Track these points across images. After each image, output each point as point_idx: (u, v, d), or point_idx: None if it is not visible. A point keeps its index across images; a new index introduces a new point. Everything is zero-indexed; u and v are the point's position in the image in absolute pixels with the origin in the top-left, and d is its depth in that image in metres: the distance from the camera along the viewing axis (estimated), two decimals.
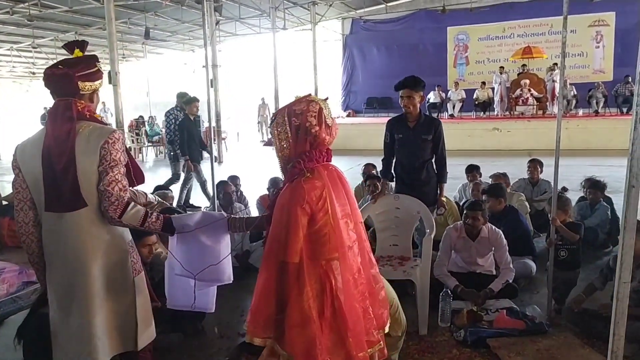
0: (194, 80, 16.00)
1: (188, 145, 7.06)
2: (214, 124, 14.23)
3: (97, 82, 2.18)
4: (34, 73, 23.31)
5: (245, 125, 21.45)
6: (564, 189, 5.70)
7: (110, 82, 8.68)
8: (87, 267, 2.06)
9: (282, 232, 1.91)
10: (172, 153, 7.39)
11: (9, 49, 18.72)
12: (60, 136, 2.03)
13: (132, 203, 2.09)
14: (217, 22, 14.57)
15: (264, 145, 17.14)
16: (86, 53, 2.16)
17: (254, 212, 5.75)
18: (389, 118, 4.45)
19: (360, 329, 1.97)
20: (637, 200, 1.30)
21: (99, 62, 2.21)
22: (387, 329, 2.12)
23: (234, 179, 5.74)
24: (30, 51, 19.10)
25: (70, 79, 2.07)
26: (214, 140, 14.38)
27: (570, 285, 3.86)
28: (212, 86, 13.07)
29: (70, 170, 2.00)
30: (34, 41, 17.30)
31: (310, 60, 17.93)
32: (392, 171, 4.33)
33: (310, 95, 2.05)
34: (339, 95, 20.24)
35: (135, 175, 2.20)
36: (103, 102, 18.26)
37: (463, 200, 5.63)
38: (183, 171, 7.22)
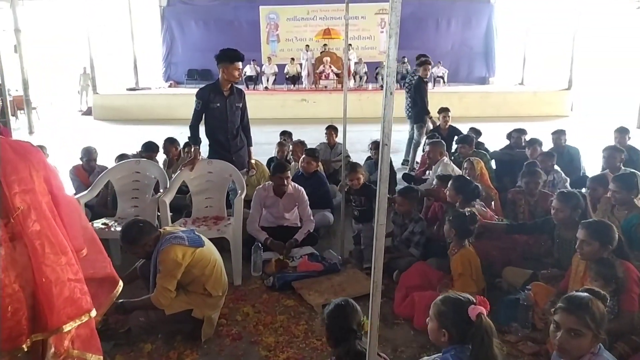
0: None
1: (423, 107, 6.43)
2: (19, 92, 12.20)
3: None
4: None
5: (61, 94, 18.91)
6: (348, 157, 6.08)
7: None
8: None
9: None
10: (409, 113, 6.80)
11: None
12: None
13: None
14: None
15: (82, 114, 15.37)
16: None
17: (67, 182, 5.12)
18: (200, 88, 4.27)
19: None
20: (389, 156, 1.42)
21: None
22: (66, 327, 1.75)
23: (40, 149, 5.00)
24: None
25: None
26: (23, 110, 12.45)
27: (367, 235, 4.01)
28: (16, 52, 11.21)
29: None
30: None
31: (127, 29, 16.41)
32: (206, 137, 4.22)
33: None
34: (160, 65, 18.99)
35: None
36: None
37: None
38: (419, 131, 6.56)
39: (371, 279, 1.49)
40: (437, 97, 13.37)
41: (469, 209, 3.34)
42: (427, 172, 5.55)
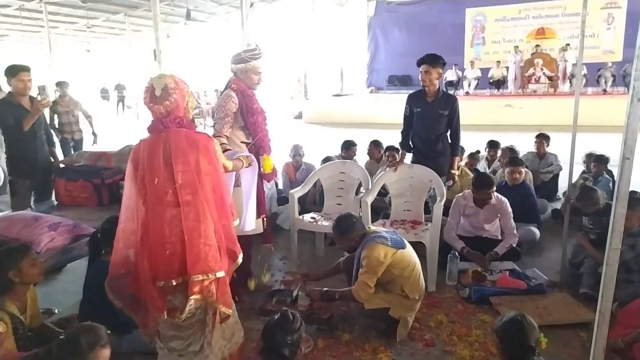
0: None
1: None
2: None
3: None
4: (88, 51, 23.56)
5: (275, 99, 21.36)
6: (585, 179, 5.11)
7: (155, 59, 8.73)
8: None
9: None
10: None
11: (66, 29, 18.90)
12: None
13: None
14: (252, 5, 14.37)
15: (294, 118, 17.07)
16: None
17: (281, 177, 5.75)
18: (409, 93, 4.37)
19: (158, 260, 2.15)
20: (630, 172, 1.25)
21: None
22: (194, 278, 2.14)
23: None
24: (85, 31, 19.25)
25: None
26: None
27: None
28: None
29: None
30: (88, 22, 17.42)
31: (337, 40, 17.64)
32: (410, 143, 4.28)
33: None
34: (362, 71, 19.92)
35: None
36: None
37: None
38: None
39: (597, 309, 1.34)
40: None
41: None
42: None
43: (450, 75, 15.50)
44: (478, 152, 6.02)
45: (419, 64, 3.98)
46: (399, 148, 4.43)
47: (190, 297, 2.14)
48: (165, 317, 2.19)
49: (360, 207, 3.91)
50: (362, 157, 5.96)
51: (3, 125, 4.05)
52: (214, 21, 20.09)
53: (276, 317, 2.08)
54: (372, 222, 3.93)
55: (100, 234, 2.79)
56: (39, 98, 3.98)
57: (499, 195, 4.07)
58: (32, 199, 4.22)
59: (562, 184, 5.51)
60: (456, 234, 4.05)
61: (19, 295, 2.44)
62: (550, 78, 14.20)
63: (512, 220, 3.98)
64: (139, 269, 2.17)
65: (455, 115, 4.07)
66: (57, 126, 6.76)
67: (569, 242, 3.83)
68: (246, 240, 3.11)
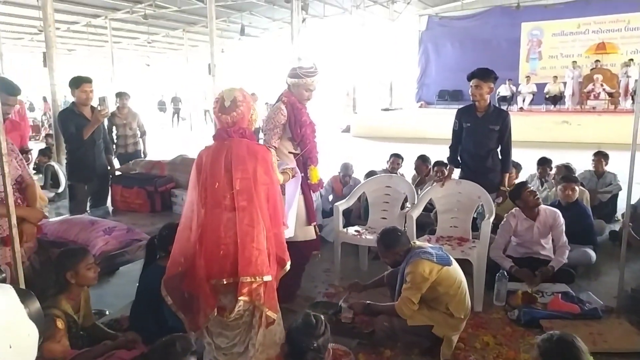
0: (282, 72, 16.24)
1: None
2: None
3: None
4: (148, 65, 24.72)
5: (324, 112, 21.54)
6: None
7: (209, 73, 9.10)
8: None
9: None
10: None
11: (128, 44, 19.96)
12: None
13: None
14: (304, 20, 14.68)
15: (342, 131, 17.13)
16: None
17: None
18: (459, 108, 4.32)
19: (213, 259, 2.24)
20: None
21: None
22: (243, 279, 2.20)
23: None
24: (146, 46, 20.24)
25: None
26: None
27: None
28: None
29: None
30: (148, 37, 18.32)
31: (387, 54, 17.64)
32: (459, 158, 4.21)
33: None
34: (412, 86, 19.75)
35: None
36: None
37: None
38: None
39: None
40: None
41: None
42: None
43: (504, 90, 15.11)
44: None
45: (470, 78, 3.94)
46: (447, 163, 4.36)
47: (239, 298, 2.21)
48: (215, 314, 2.28)
49: (406, 221, 3.86)
50: (409, 171, 5.90)
51: (65, 133, 4.31)
52: (267, 36, 20.64)
53: (299, 320, 2.08)
54: (418, 237, 3.87)
55: (157, 239, 2.90)
56: (99, 109, 4.20)
57: (549, 207, 3.93)
58: (89, 204, 4.45)
59: (621, 205, 5.24)
60: (506, 255, 3.91)
61: (73, 295, 2.55)
62: (610, 94, 13.59)
63: (564, 233, 3.83)
64: (196, 266, 2.27)
65: (507, 131, 3.97)
66: (114, 140, 6.66)
67: (628, 267, 3.62)
68: (305, 254, 3.24)
